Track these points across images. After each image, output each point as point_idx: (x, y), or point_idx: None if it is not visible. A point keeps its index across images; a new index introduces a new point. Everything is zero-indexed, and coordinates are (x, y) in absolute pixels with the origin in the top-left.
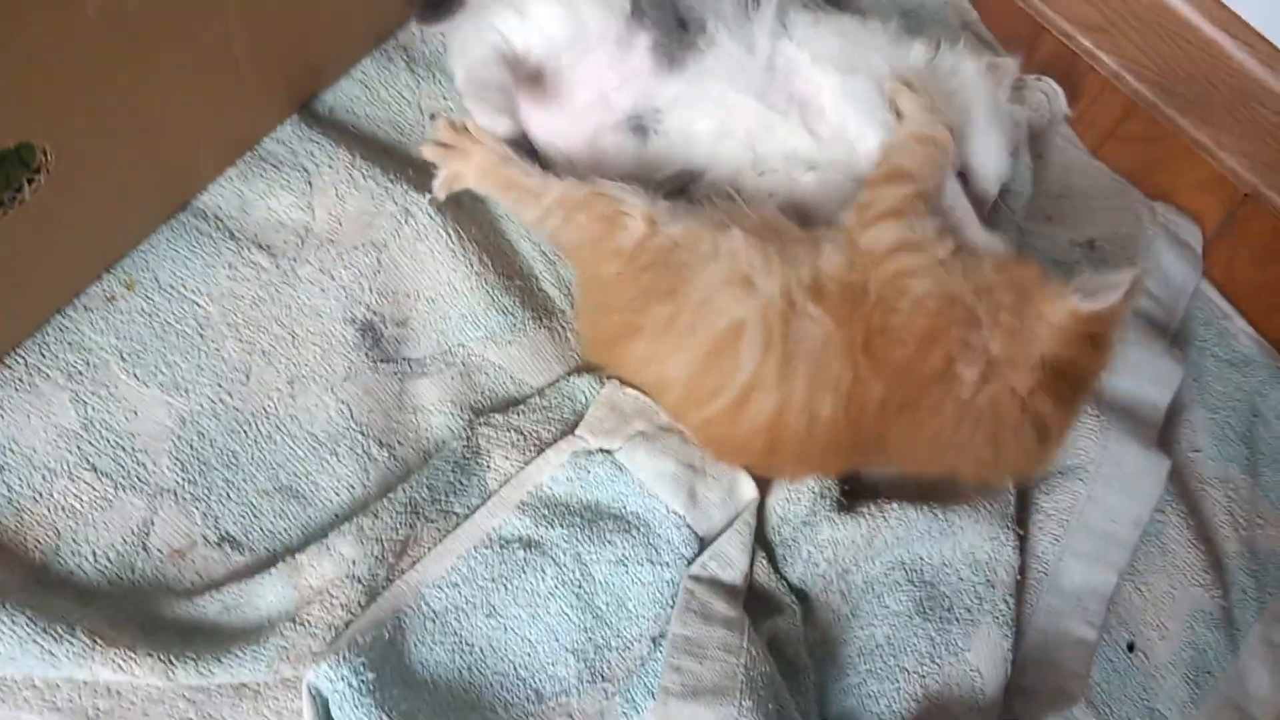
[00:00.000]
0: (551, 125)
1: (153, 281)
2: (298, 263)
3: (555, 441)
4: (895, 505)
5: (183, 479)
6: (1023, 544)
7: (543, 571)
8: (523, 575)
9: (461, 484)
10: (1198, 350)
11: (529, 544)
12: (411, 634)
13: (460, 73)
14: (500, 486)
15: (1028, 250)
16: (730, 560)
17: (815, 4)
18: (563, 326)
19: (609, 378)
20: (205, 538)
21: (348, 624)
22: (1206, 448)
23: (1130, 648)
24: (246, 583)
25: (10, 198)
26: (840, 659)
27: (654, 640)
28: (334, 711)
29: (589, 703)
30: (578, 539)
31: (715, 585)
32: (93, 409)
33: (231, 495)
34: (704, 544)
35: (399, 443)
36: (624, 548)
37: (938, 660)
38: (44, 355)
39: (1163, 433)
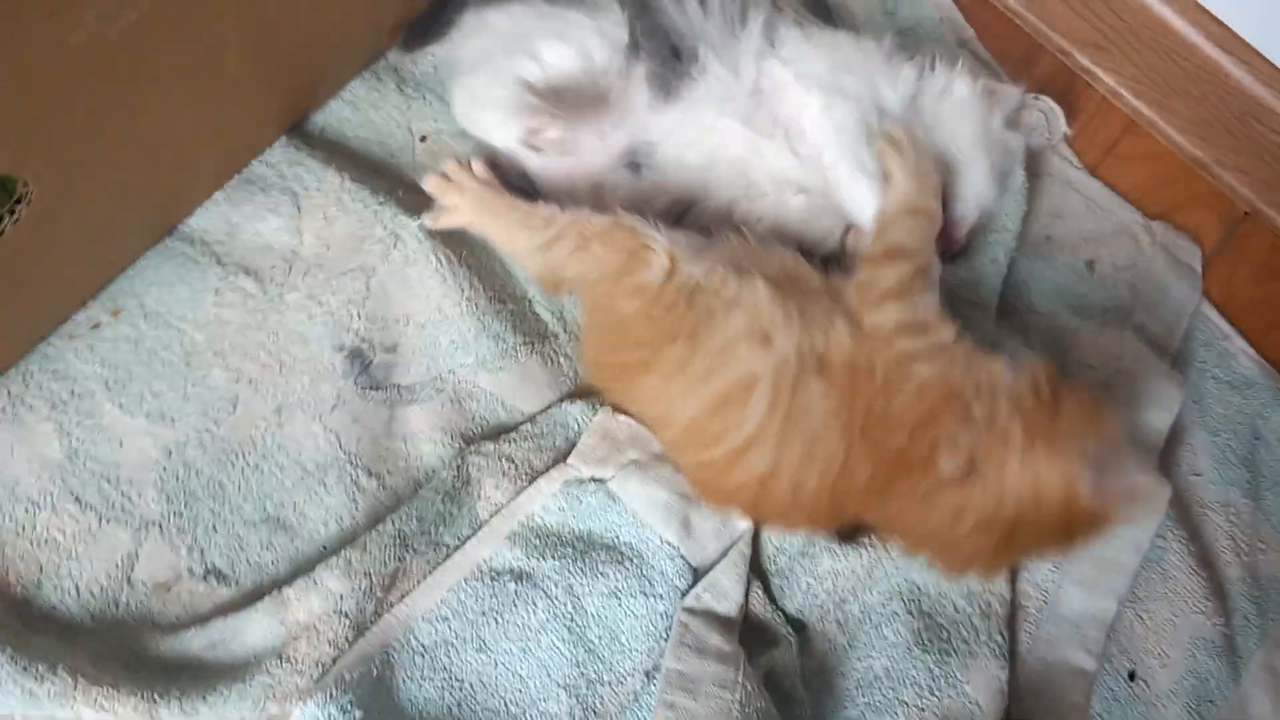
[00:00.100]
0: (557, 164)
1: (138, 308)
2: (285, 288)
3: (547, 470)
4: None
5: (168, 510)
6: (1021, 571)
7: (534, 604)
8: (514, 608)
9: (451, 514)
10: (1198, 372)
11: (520, 576)
12: (400, 670)
13: (485, 115)
14: (491, 516)
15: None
16: (725, 591)
17: (808, 20)
18: (555, 351)
19: (602, 404)
20: (191, 570)
21: (335, 660)
22: (1208, 471)
23: (1131, 676)
24: (232, 617)
25: None
26: (838, 691)
27: (647, 674)
28: None
29: None
30: (570, 570)
31: (710, 617)
32: (77, 440)
33: (218, 527)
34: (698, 575)
35: (388, 472)
36: (617, 579)
37: (937, 693)
38: (27, 385)
39: (1163, 456)
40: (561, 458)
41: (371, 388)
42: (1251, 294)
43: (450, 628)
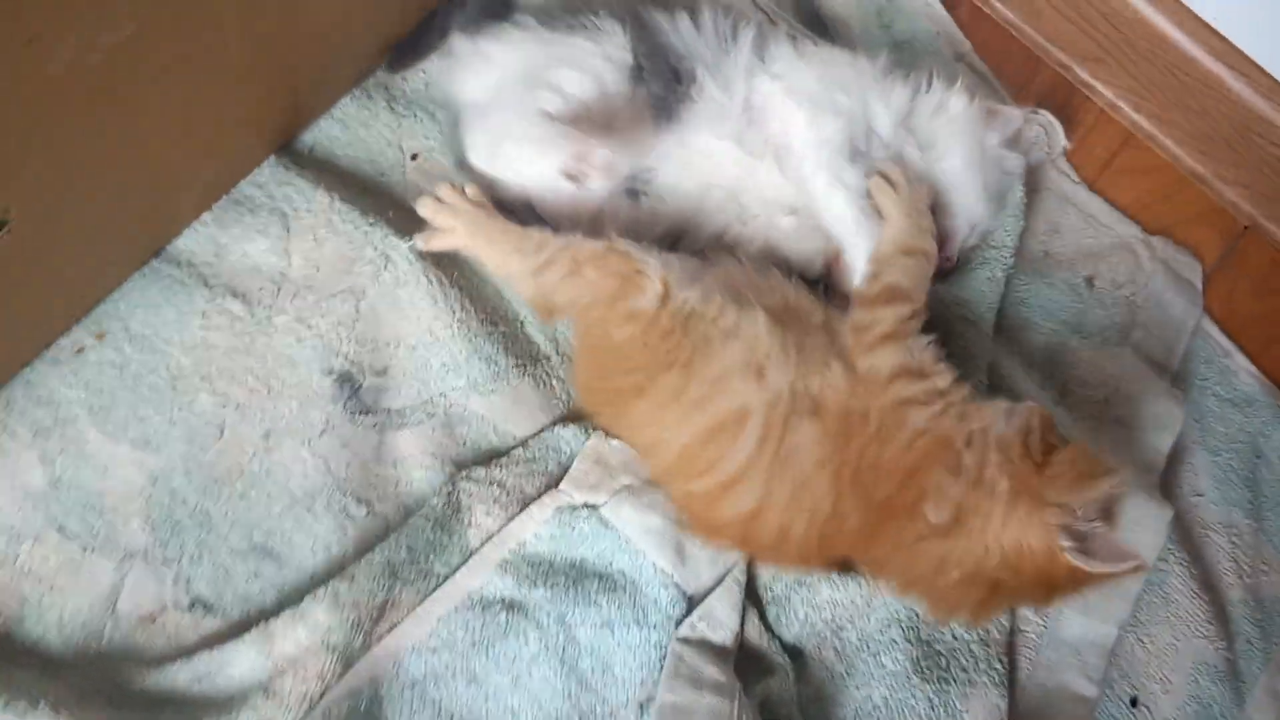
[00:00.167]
0: (558, 195)
1: (124, 332)
2: (273, 310)
3: (539, 496)
4: None
5: (153, 540)
6: None
7: (525, 635)
8: (505, 639)
9: (442, 542)
10: (1199, 390)
11: (511, 605)
12: (388, 704)
13: (520, 150)
14: (482, 544)
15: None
16: (720, 620)
17: (803, 35)
18: (547, 374)
19: (595, 428)
20: (176, 601)
21: (322, 694)
22: (1209, 492)
23: (1134, 703)
24: (218, 650)
25: None
26: None
27: (641, 706)
28: None
29: None
30: (562, 600)
31: (704, 647)
32: (60, 468)
33: (204, 556)
34: (692, 603)
35: (378, 498)
36: (609, 609)
37: None
38: (10, 412)
39: (1164, 477)
40: (554, 483)
41: (361, 412)
42: (1252, 309)
43: (440, 660)
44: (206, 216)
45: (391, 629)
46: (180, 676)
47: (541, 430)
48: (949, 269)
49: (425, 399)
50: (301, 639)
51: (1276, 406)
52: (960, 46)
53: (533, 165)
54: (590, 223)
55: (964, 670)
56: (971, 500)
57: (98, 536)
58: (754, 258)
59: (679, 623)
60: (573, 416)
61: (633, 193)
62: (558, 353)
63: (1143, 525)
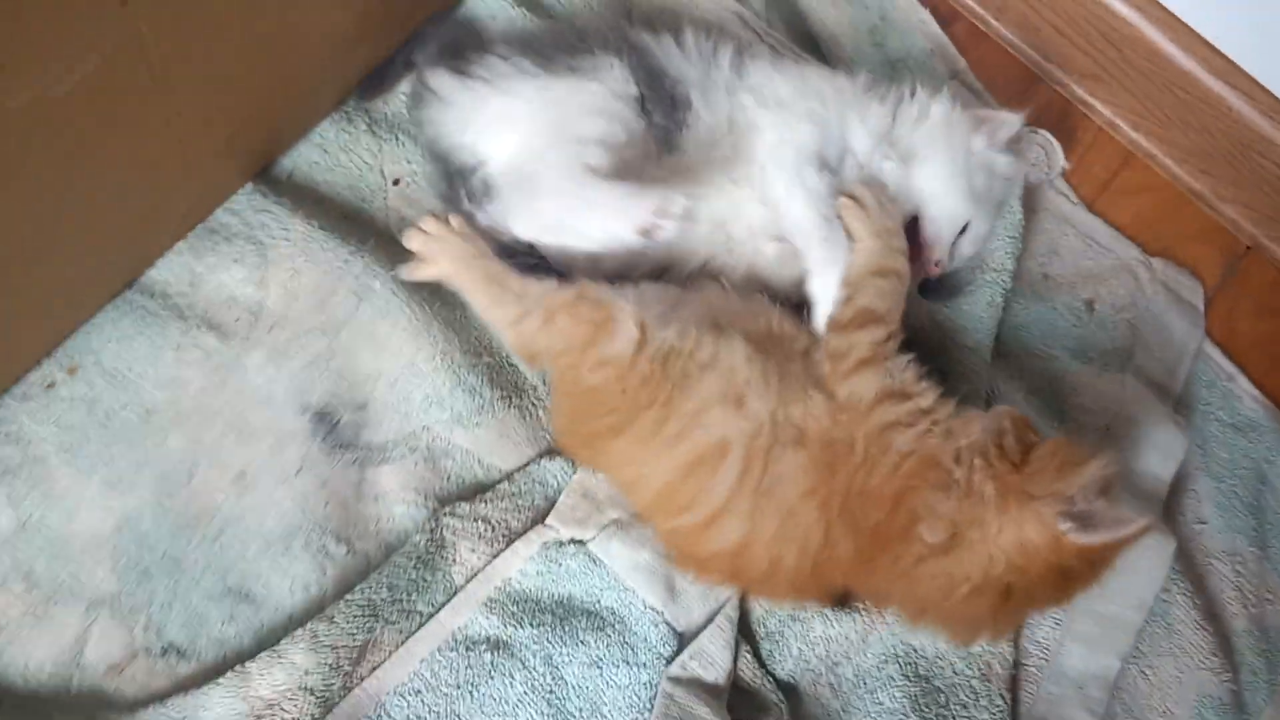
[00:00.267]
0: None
1: (96, 365)
2: (248, 345)
3: (525, 532)
4: None
5: (121, 587)
6: (1022, 629)
7: (511, 676)
8: (490, 680)
9: (425, 580)
10: (1201, 415)
11: (497, 645)
12: None
13: (593, 219)
14: (466, 582)
15: (1019, 324)
16: (712, 659)
17: (793, 52)
18: (533, 404)
19: (577, 462)
20: (148, 648)
21: None
22: (1213, 519)
23: None
24: (192, 694)
25: None
26: None
27: None
28: None
29: None
30: (549, 639)
31: (696, 686)
32: (27, 510)
33: (176, 601)
34: (683, 640)
35: (358, 537)
36: (598, 648)
37: None
38: None
39: (1167, 505)
40: (540, 518)
41: (340, 447)
42: (1254, 331)
43: (423, 702)
44: (181, 245)
45: (373, 670)
46: None
47: (527, 463)
48: (937, 277)
49: (407, 433)
50: (279, 681)
51: None
52: (955, 64)
53: (608, 231)
54: (587, 262)
55: (964, 707)
56: (965, 513)
57: (63, 586)
58: (737, 284)
59: (670, 661)
60: (558, 449)
61: None
62: (544, 383)
63: (1145, 556)
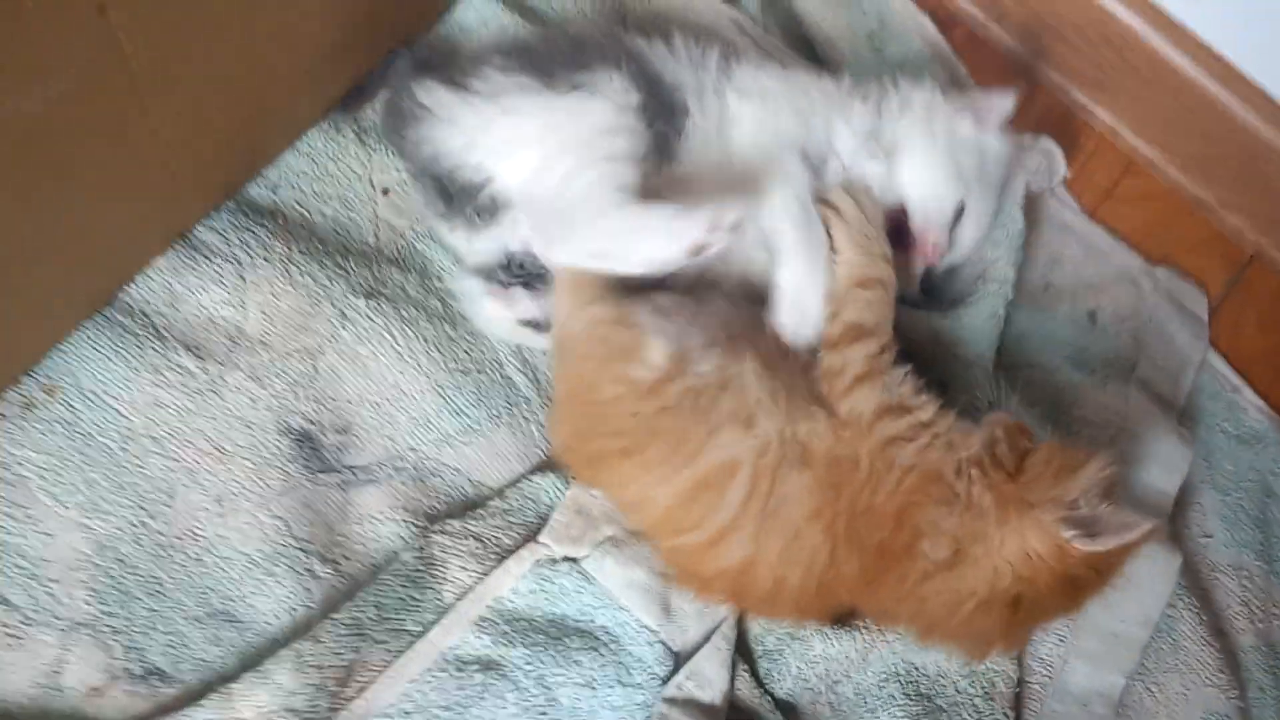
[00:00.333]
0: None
1: (74, 387)
2: (227, 368)
3: (517, 549)
4: None
5: (100, 611)
6: (1025, 648)
7: (503, 697)
8: (481, 702)
9: (414, 599)
10: (1206, 427)
11: (488, 665)
12: None
13: (642, 245)
14: (457, 600)
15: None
16: (708, 679)
17: (779, 54)
18: (525, 419)
19: (575, 477)
20: (129, 671)
21: None
22: (1218, 533)
23: None
24: (174, 716)
25: None
26: None
27: None
28: None
29: None
30: (541, 659)
31: (692, 707)
32: (4, 534)
33: (157, 625)
34: (679, 660)
35: (344, 557)
36: (592, 668)
37: None
38: None
39: (1172, 519)
40: (532, 535)
41: (323, 470)
42: (1259, 341)
43: None
44: (161, 263)
45: (360, 691)
46: None
47: (519, 479)
48: (933, 275)
49: (394, 454)
50: (262, 703)
51: None
52: (955, 70)
53: (663, 253)
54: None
55: None
56: (967, 527)
57: (41, 609)
58: (731, 292)
59: (665, 681)
60: (552, 464)
61: None
62: (539, 394)
63: (1151, 571)
